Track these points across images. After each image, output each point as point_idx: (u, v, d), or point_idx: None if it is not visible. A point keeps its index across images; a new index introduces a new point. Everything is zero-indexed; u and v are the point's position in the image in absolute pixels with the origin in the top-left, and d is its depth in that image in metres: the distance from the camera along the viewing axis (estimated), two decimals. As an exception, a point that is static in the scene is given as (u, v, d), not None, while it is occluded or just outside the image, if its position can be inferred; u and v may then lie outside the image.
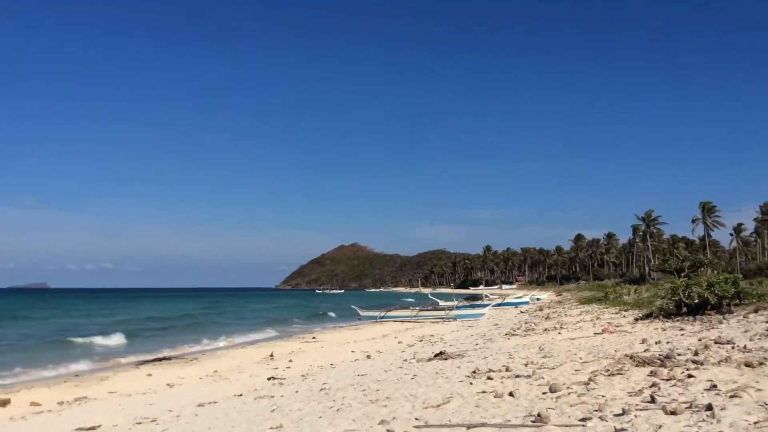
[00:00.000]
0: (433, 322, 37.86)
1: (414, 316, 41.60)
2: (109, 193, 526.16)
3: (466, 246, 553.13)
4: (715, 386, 7.67)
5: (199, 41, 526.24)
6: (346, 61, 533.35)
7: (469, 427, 7.35)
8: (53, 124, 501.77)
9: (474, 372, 11.89)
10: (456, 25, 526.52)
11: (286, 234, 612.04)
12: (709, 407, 6.54)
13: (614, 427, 6.44)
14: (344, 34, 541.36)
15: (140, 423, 11.56)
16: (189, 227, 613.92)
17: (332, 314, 57.51)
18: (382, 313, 44.21)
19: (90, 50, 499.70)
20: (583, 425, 6.73)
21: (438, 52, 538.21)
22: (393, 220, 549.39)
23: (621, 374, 9.34)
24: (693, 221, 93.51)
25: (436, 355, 16.33)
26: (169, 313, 62.05)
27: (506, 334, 22.68)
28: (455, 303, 47.95)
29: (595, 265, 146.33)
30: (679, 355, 10.72)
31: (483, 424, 7.35)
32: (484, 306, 45.30)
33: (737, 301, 18.75)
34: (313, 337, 31.57)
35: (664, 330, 16.47)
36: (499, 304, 51.99)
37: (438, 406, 8.92)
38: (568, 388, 8.86)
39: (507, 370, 11.65)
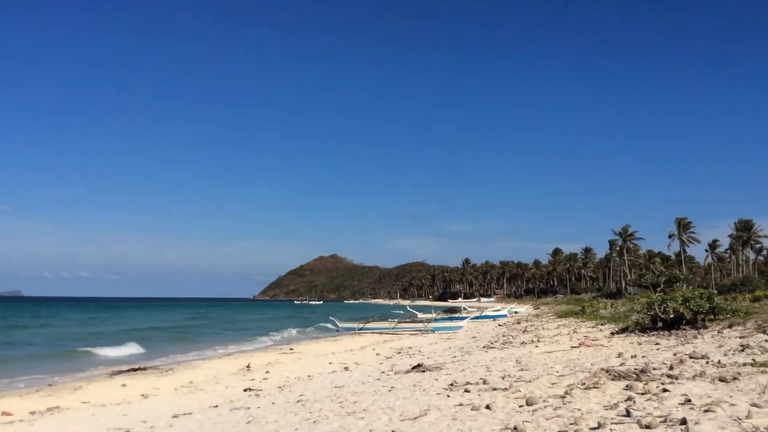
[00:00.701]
0: (411, 335, 37.82)
1: (392, 328, 41.52)
2: (85, 201, 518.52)
3: (446, 259, 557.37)
4: (689, 400, 7.76)
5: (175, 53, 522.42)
6: (325, 73, 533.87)
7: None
8: (28, 131, 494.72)
9: (451, 384, 11.90)
10: (426, 43, 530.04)
11: (264, 244, 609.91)
12: (684, 421, 6.61)
13: (590, 440, 6.48)
14: (322, 45, 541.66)
15: (113, 434, 11.36)
16: (166, 237, 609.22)
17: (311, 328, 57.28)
18: (361, 325, 44.07)
19: (65, 58, 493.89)
20: (560, 439, 6.76)
21: (414, 64, 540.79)
22: (372, 232, 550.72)
23: (597, 388, 9.41)
24: (669, 237, 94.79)
25: (413, 368, 16.31)
26: (165, 322, 60.82)
27: (484, 347, 22.75)
28: (433, 315, 47.95)
29: (573, 279, 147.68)
30: (654, 369, 10.84)
31: (460, 437, 7.36)
32: (463, 319, 45.28)
33: (712, 316, 18.99)
34: (291, 349, 31.34)
35: (640, 344, 16.64)
36: (477, 317, 52.00)
37: (415, 418, 8.91)
38: (544, 401, 8.90)
39: (484, 382, 11.67)
